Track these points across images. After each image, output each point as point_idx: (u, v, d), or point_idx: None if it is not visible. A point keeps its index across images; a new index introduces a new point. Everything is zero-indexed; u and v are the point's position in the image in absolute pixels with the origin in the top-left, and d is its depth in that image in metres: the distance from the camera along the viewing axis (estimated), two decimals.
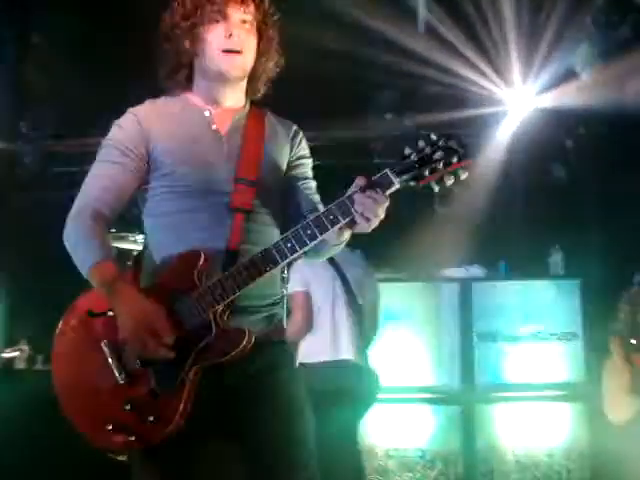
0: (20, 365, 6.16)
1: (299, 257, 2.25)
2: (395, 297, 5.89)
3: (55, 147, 7.03)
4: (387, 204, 2.08)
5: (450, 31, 6.01)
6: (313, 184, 2.53)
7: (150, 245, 2.36)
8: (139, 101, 2.45)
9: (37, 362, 6.27)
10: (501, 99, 6.61)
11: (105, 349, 2.18)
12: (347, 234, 2.23)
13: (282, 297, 2.48)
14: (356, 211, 2.06)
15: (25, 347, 6.25)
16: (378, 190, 2.05)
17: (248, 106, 2.50)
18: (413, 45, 5.84)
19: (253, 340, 2.13)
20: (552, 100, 6.43)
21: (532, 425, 5.79)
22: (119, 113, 2.41)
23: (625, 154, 6.37)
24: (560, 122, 6.66)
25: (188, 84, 2.45)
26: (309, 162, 2.55)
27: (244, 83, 2.46)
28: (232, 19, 2.33)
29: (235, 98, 2.45)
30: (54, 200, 7.11)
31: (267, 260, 2.14)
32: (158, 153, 2.32)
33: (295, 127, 2.54)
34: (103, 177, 2.32)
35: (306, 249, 2.15)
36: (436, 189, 2.09)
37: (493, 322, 6.00)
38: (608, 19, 5.82)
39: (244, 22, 2.35)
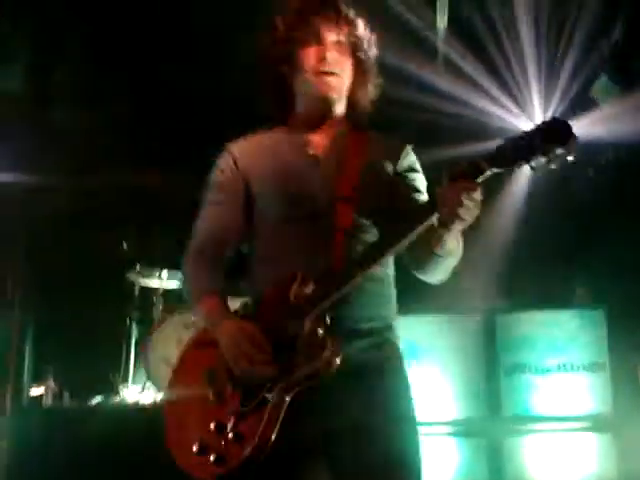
0: (48, 402, 6.19)
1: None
2: (419, 331, 5.88)
3: (78, 186, 7.13)
4: (479, 196, 1.98)
5: (469, 64, 6.07)
6: (425, 197, 2.41)
7: (255, 275, 2.38)
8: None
9: (64, 398, 6.31)
10: (522, 131, 6.63)
11: (205, 374, 2.20)
12: (451, 243, 2.14)
13: (394, 320, 2.37)
14: (442, 207, 1.98)
15: (51, 383, 6.28)
16: (465, 180, 1.96)
17: (348, 128, 2.48)
18: (432, 79, 5.90)
19: (339, 352, 2.04)
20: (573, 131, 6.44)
21: (560, 457, 5.72)
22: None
23: None
24: (582, 152, 6.66)
25: (287, 112, 2.48)
26: (418, 176, 2.46)
27: (342, 106, 2.46)
28: (326, 41, 2.36)
29: (334, 121, 2.45)
30: (78, 238, 7.23)
31: (350, 268, 2.12)
32: (256, 188, 2.37)
33: (402, 142, 2.49)
34: (208, 219, 2.43)
35: (390, 254, 2.14)
36: (532, 166, 1.95)
37: (518, 354, 5.95)
38: (626, 50, 5.84)
39: (338, 44, 2.38)
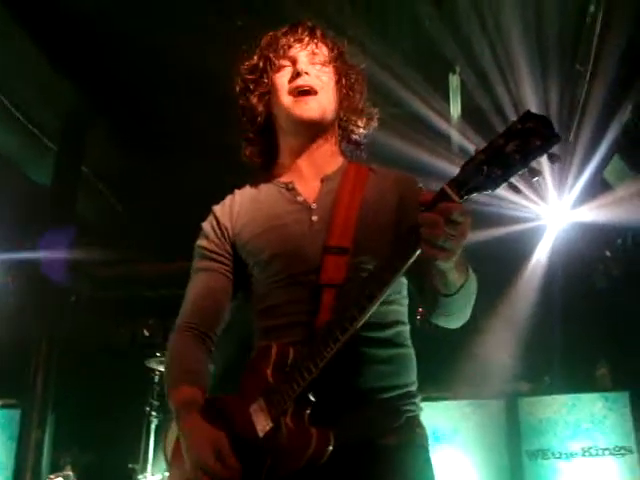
0: None
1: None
2: (440, 417, 5.82)
3: (104, 273, 7.24)
4: (465, 219, 1.60)
5: None
6: None
7: (255, 347, 2.06)
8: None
9: None
10: (537, 215, 6.70)
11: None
12: (454, 280, 1.75)
13: (411, 387, 1.99)
14: (418, 241, 1.61)
15: (70, 473, 6.23)
16: (441, 204, 1.59)
17: (344, 164, 2.16)
18: (448, 167, 6.00)
19: (329, 446, 1.74)
20: (588, 213, 6.51)
21: None
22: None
23: None
24: (598, 234, 6.70)
25: (273, 157, 2.20)
26: None
27: (332, 137, 2.17)
28: (300, 59, 2.10)
29: (324, 155, 2.15)
30: (99, 325, 7.29)
31: (327, 337, 1.75)
32: (243, 246, 2.09)
33: (409, 176, 2.15)
34: (196, 288, 2.14)
35: (366, 314, 1.72)
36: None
37: (542, 438, 5.87)
38: (638, 131, 5.92)
39: (314, 59, 2.12)
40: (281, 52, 2.11)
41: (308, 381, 1.75)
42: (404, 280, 2.05)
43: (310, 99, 2.06)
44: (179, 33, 5.35)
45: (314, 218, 2.02)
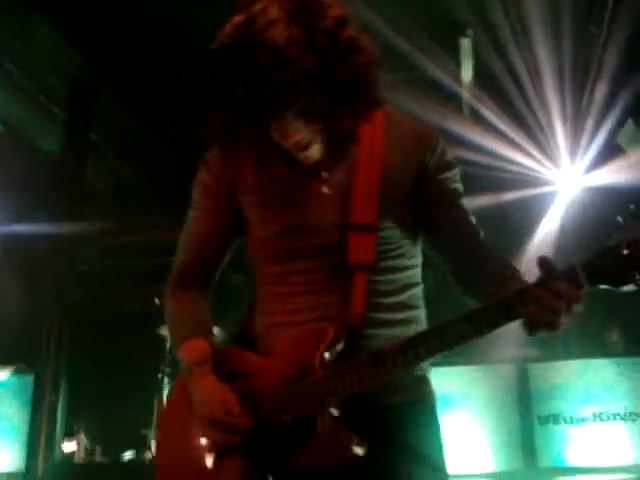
0: (80, 457, 6.20)
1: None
2: (451, 382, 5.83)
3: (114, 241, 7.25)
4: (580, 308, 1.55)
5: (495, 114, 6.12)
6: (465, 201, 1.94)
7: (259, 310, 1.99)
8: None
9: (96, 454, 6.31)
10: (549, 179, 6.65)
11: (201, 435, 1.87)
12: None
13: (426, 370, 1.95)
14: (528, 312, 1.56)
15: (83, 438, 6.29)
16: (566, 284, 1.53)
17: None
18: (459, 129, 5.95)
19: (364, 449, 1.70)
20: (600, 178, 6.45)
21: None
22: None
23: None
24: (610, 199, 6.65)
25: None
26: (455, 173, 1.93)
27: None
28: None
29: None
30: (114, 292, 7.31)
31: (395, 356, 1.68)
32: (247, 207, 1.93)
33: (429, 131, 1.94)
34: (196, 231, 2.01)
35: (449, 350, 1.65)
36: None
37: (553, 403, 5.87)
38: None
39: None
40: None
41: (362, 387, 1.70)
42: (419, 243, 1.96)
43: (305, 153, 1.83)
44: None
45: (325, 189, 1.85)
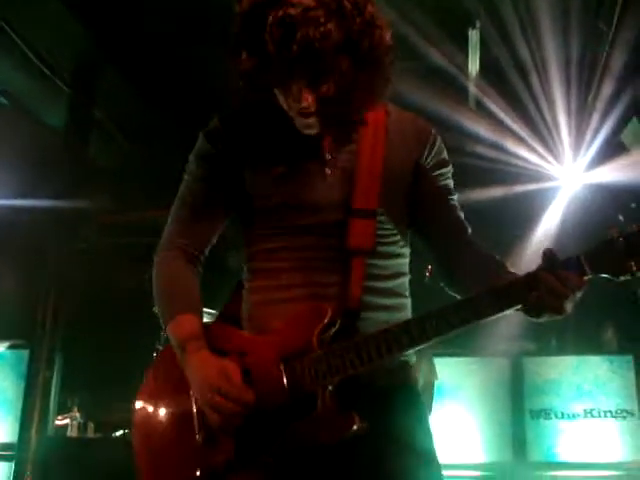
0: (72, 433, 6.22)
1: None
2: (445, 372, 5.84)
3: (113, 219, 7.25)
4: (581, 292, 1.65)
5: (500, 108, 6.11)
6: (456, 198, 2.03)
7: (249, 286, 1.99)
8: None
9: (88, 430, 6.34)
10: (552, 175, 6.65)
11: (192, 399, 1.85)
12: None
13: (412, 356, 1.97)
14: (536, 296, 1.64)
15: (76, 414, 6.32)
16: (571, 274, 1.64)
17: None
18: (463, 121, 5.94)
19: (364, 427, 1.72)
20: (603, 175, 6.45)
21: None
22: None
23: None
24: (611, 197, 6.65)
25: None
26: (448, 171, 2.02)
27: None
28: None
29: None
30: (111, 270, 7.32)
31: (399, 339, 1.72)
32: (248, 181, 1.94)
33: (428, 128, 2.01)
34: (190, 203, 1.99)
35: (453, 333, 1.70)
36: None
37: (545, 398, 5.90)
38: None
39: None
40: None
41: (363, 368, 1.73)
42: (407, 232, 2.01)
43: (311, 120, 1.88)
44: None
45: (328, 171, 1.91)
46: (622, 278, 1.64)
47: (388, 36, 1.80)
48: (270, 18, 1.70)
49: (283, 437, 1.75)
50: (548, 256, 1.68)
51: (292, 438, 1.75)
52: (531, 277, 1.67)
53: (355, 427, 1.70)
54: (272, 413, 1.76)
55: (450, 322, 1.69)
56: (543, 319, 1.70)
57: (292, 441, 1.75)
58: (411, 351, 1.88)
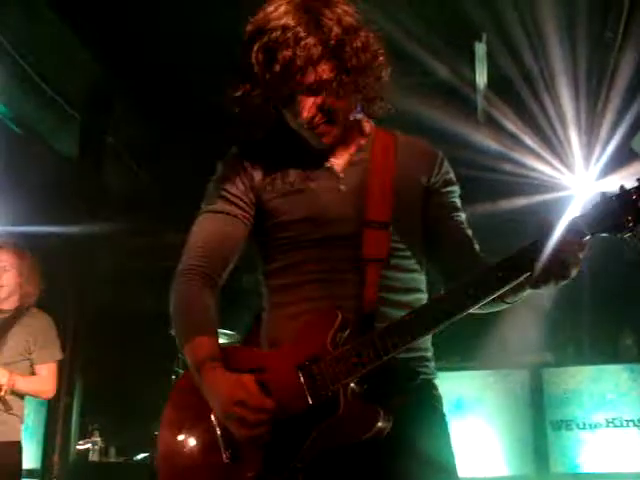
0: (94, 457, 6.24)
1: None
2: (464, 386, 5.83)
3: (132, 243, 7.30)
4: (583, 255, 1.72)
5: (509, 120, 6.12)
6: (463, 216, 2.11)
7: (268, 305, 2.05)
8: None
9: (110, 454, 6.35)
10: (564, 184, 6.65)
11: (214, 421, 1.86)
12: (527, 291, 1.82)
13: (430, 354, 2.04)
14: (540, 265, 1.69)
15: (97, 439, 6.33)
16: (572, 237, 1.70)
17: (371, 131, 2.10)
18: (473, 135, 5.95)
19: (390, 422, 1.76)
20: (614, 184, 6.44)
21: None
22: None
23: None
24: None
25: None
26: (456, 190, 2.13)
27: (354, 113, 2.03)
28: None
29: (347, 132, 2.03)
30: (128, 294, 7.36)
31: (414, 326, 1.77)
32: (265, 203, 2.02)
33: (435, 150, 2.13)
34: (209, 230, 2.04)
35: (465, 313, 1.77)
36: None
37: (566, 409, 5.87)
38: None
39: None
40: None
41: (379, 363, 1.76)
42: (422, 250, 2.06)
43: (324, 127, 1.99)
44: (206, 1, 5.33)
45: (342, 187, 2.00)
46: (622, 235, 1.68)
47: (373, 39, 1.93)
48: (256, 46, 1.86)
49: (310, 441, 1.77)
50: (547, 225, 1.72)
51: (319, 441, 1.77)
52: (532, 246, 1.72)
53: (380, 423, 1.73)
54: (296, 420, 1.79)
55: (461, 303, 1.75)
56: (550, 289, 1.75)
57: (319, 444, 1.77)
58: (431, 367, 1.99)
